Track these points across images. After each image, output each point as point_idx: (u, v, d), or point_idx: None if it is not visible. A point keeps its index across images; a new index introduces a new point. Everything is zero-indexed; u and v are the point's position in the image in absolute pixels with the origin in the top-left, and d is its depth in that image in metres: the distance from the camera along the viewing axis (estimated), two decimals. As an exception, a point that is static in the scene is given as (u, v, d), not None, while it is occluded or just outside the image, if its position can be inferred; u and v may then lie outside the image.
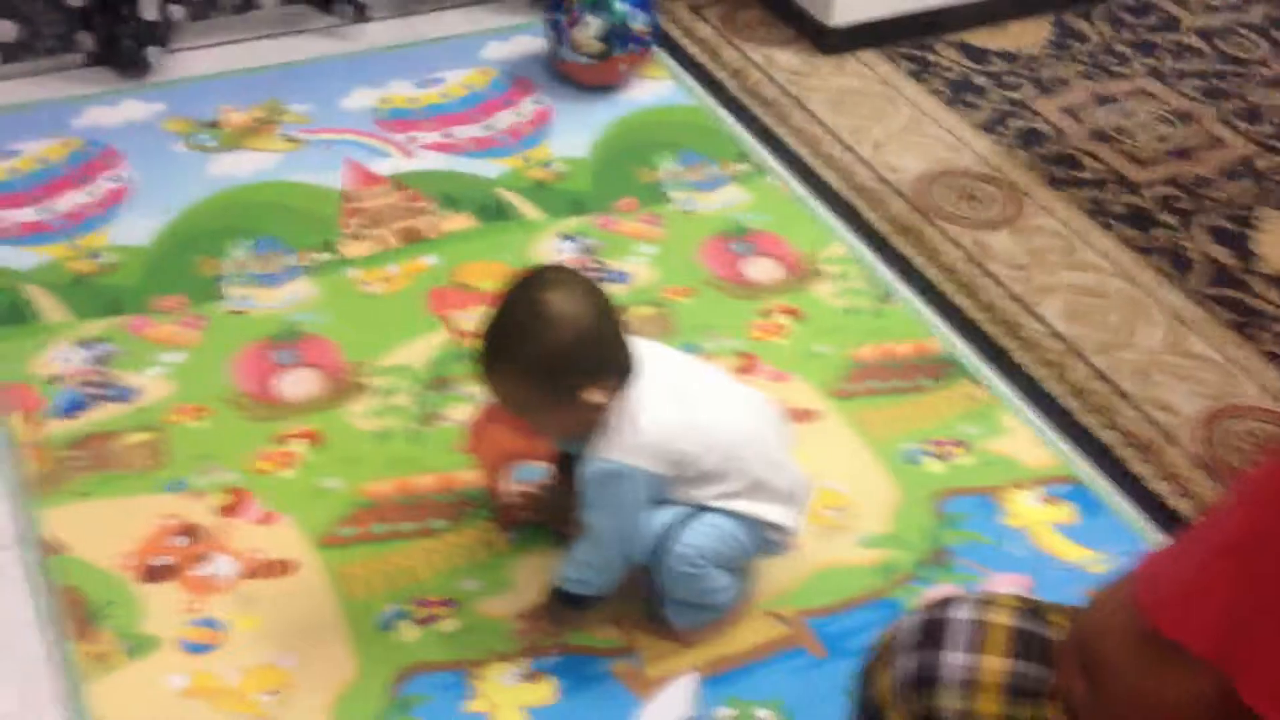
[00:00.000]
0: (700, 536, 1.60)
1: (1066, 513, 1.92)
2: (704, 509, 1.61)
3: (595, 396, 1.51)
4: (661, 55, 2.89)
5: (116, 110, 2.58)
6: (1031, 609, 1.13)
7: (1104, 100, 2.88)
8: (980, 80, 2.92)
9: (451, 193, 2.46)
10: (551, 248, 2.34)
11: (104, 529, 1.80)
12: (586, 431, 1.55)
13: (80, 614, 1.69)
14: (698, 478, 1.59)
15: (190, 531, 1.81)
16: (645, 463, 1.54)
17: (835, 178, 2.59)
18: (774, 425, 1.70)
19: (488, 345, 1.52)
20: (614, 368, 1.54)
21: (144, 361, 2.06)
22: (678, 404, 1.57)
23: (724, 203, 2.49)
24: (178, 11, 2.71)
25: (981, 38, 3.07)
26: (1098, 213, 2.53)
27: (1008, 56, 3.02)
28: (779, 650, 1.71)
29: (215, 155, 2.50)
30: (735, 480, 1.60)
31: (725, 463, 1.59)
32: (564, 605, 1.68)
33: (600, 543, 1.59)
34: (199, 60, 2.76)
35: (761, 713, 1.64)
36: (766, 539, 1.67)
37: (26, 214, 2.32)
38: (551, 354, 1.48)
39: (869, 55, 2.97)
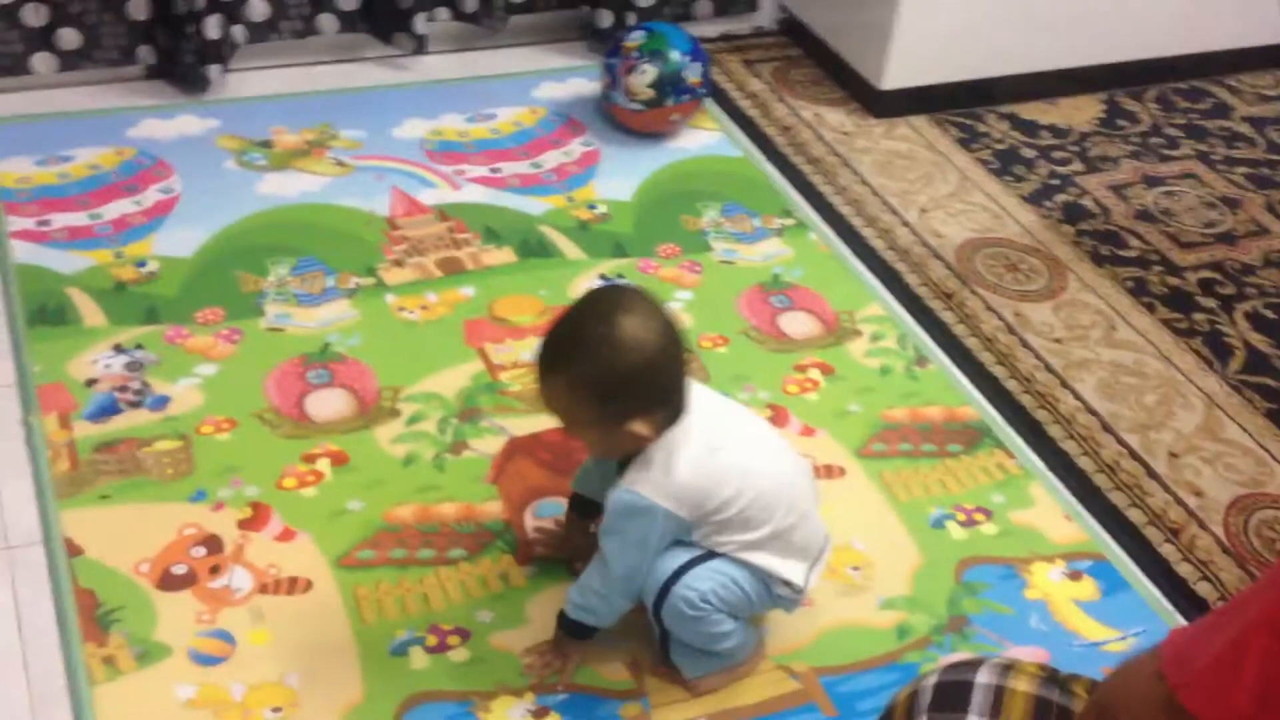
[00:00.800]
0: (704, 580, 1.58)
1: (1088, 589, 1.90)
2: (715, 555, 1.60)
3: (641, 429, 1.49)
4: (712, 106, 2.91)
5: (171, 124, 2.62)
6: (1052, 677, 1.11)
7: (1152, 181, 2.88)
8: (1029, 153, 2.93)
9: (494, 227, 2.47)
10: (589, 288, 2.35)
11: (125, 534, 1.80)
12: (622, 455, 1.56)
13: (93, 616, 1.69)
14: (721, 525, 1.57)
15: (209, 542, 1.81)
16: (671, 505, 1.53)
17: (878, 239, 2.59)
18: (806, 477, 1.69)
19: (550, 350, 1.50)
20: (666, 405, 1.52)
21: (178, 371, 2.07)
22: (714, 450, 1.55)
23: (765, 255, 2.50)
24: (239, 32, 2.75)
25: (1032, 111, 3.07)
26: (1139, 292, 2.52)
27: (1057, 131, 3.02)
28: (789, 706, 1.69)
29: (264, 174, 2.52)
30: (757, 530, 1.59)
31: (751, 511, 1.58)
32: (567, 634, 1.66)
33: (610, 572, 1.58)
34: (257, 81, 2.80)
35: (768, 767, 1.62)
36: (776, 594, 1.65)
37: (75, 218, 2.34)
38: (610, 377, 1.46)
39: (919, 120, 2.98)
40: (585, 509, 1.78)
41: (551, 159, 2.69)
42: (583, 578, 1.62)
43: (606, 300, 1.53)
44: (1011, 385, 2.26)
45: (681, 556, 1.59)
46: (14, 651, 1.65)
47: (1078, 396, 2.25)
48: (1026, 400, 2.23)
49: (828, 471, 2.05)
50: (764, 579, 1.62)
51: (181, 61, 2.67)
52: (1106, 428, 2.19)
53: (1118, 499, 2.06)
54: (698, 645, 1.64)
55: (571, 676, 1.68)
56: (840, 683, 1.73)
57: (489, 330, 2.24)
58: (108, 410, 1.98)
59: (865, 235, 2.59)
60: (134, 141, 2.56)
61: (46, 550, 1.77)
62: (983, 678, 1.11)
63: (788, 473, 1.64)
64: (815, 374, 2.23)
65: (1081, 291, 2.51)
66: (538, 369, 1.51)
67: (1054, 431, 2.17)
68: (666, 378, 1.51)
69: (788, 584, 1.63)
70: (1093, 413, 2.22)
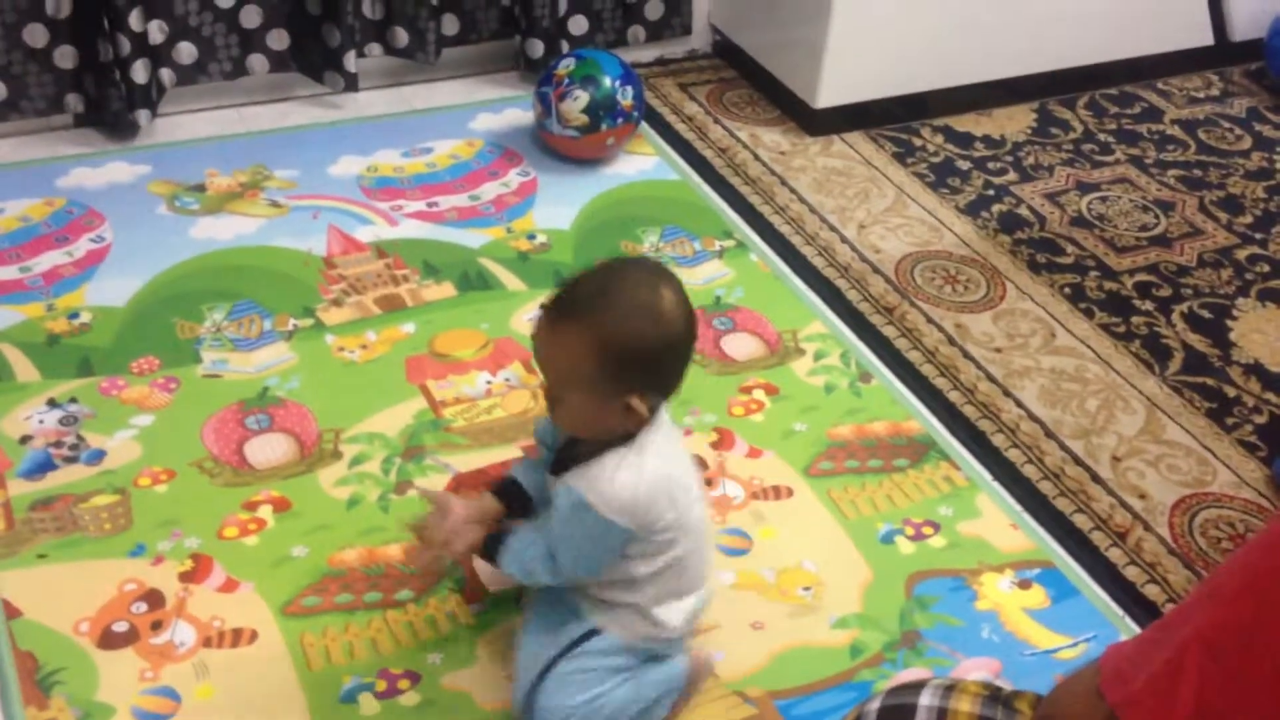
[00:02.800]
0: (564, 694, 1.55)
1: (1038, 597, 1.90)
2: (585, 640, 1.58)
3: (638, 407, 1.44)
4: (648, 131, 2.91)
5: (101, 171, 2.59)
6: (995, 695, 1.11)
7: (1086, 187, 2.90)
8: (963, 164, 2.95)
9: (433, 261, 2.46)
10: (531, 319, 2.34)
11: (64, 593, 1.77)
12: (597, 435, 1.48)
13: (34, 679, 1.66)
14: (656, 545, 1.53)
15: (150, 598, 1.78)
16: (618, 517, 1.45)
17: (817, 256, 2.60)
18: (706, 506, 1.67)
19: (576, 298, 1.42)
20: (664, 392, 1.49)
21: (114, 424, 2.04)
22: (666, 463, 1.51)
23: (706, 278, 2.50)
24: (167, 75, 2.73)
25: (966, 123, 3.10)
26: (1077, 298, 2.54)
27: (991, 142, 3.04)
28: (744, 732, 1.68)
29: (198, 218, 2.50)
30: (669, 551, 1.55)
31: (675, 533, 1.54)
32: (485, 555, 1.61)
33: (556, 558, 1.51)
34: (187, 124, 2.78)
35: (724, 796, 1.61)
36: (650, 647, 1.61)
37: (5, 272, 2.31)
38: (634, 345, 1.40)
39: (854, 137, 3.00)
40: (510, 498, 1.67)
41: (489, 190, 2.68)
42: (526, 540, 1.55)
43: (648, 268, 1.47)
44: (954, 397, 2.27)
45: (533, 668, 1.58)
46: (-47, 719, 1.61)
47: (1020, 405, 2.26)
48: (970, 411, 2.24)
49: (776, 493, 2.04)
50: (637, 644, 1.59)
51: (109, 108, 2.65)
52: (1049, 434, 2.20)
53: (1063, 505, 2.07)
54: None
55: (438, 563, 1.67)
56: (795, 705, 1.72)
57: (430, 367, 2.22)
58: (43, 467, 1.95)
59: (805, 253, 2.60)
60: (64, 191, 2.53)
61: (-16, 613, 1.74)
62: (925, 699, 1.10)
63: (700, 498, 1.60)
64: (760, 395, 2.23)
65: (1020, 300, 2.52)
66: (552, 314, 1.43)
67: (998, 441, 2.18)
68: (680, 363, 1.48)
69: (659, 627, 1.59)
70: (1035, 420, 2.23)
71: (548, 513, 1.54)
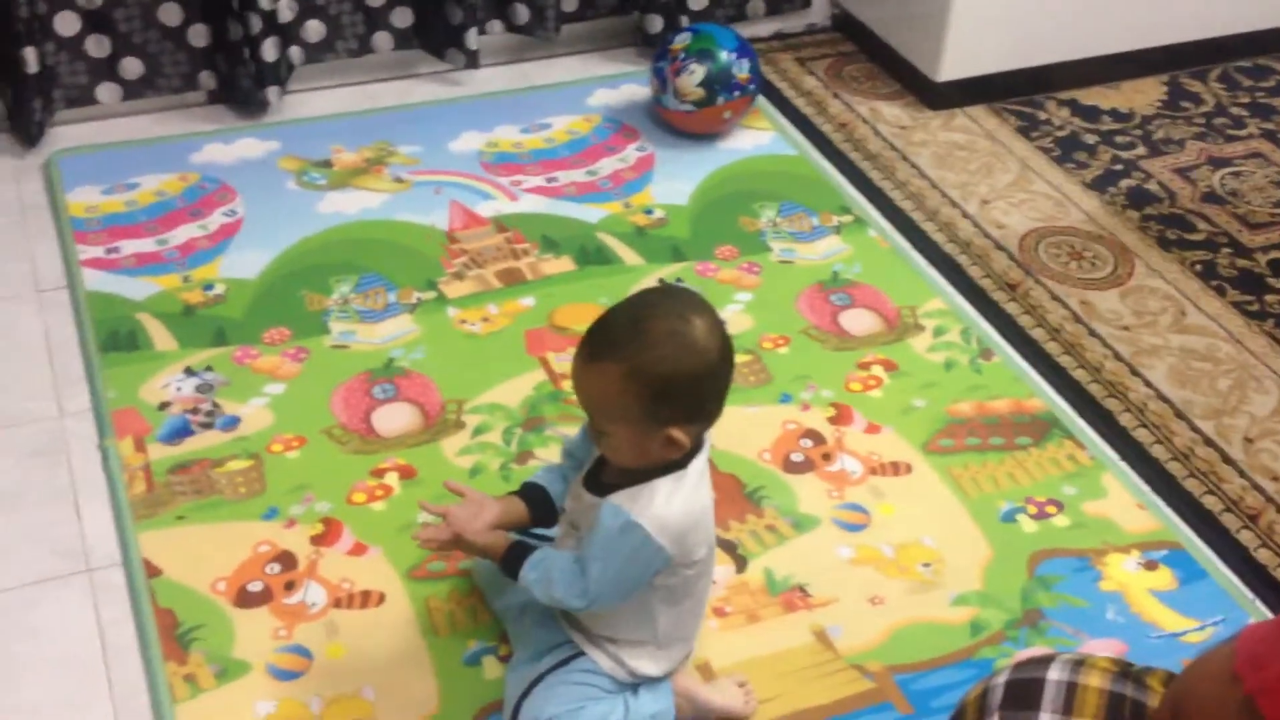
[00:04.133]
0: (548, 702, 1.56)
1: (1165, 579, 1.87)
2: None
3: (680, 436, 1.44)
4: (766, 106, 2.90)
5: (233, 148, 2.66)
6: (1125, 672, 1.10)
7: (1218, 162, 2.82)
8: (1090, 139, 2.89)
9: (552, 236, 2.48)
10: (651, 286, 2.35)
11: (201, 553, 1.84)
12: (637, 464, 1.48)
13: (173, 635, 1.72)
14: (678, 580, 1.53)
15: (283, 559, 1.83)
16: (665, 541, 1.45)
17: (938, 232, 2.57)
18: None
19: (610, 336, 1.43)
20: (707, 419, 1.49)
21: (247, 391, 2.10)
22: (706, 494, 1.52)
23: (824, 253, 2.49)
24: (296, 53, 2.79)
25: (1093, 96, 3.03)
26: (1208, 276, 2.48)
27: (1119, 115, 2.97)
28: (864, 705, 1.68)
29: (325, 193, 2.56)
30: (689, 606, 1.58)
31: (703, 576, 1.57)
32: (505, 566, 1.58)
33: (585, 576, 1.49)
34: (314, 101, 2.84)
35: (843, 768, 1.61)
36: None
37: (143, 245, 2.39)
38: (672, 376, 1.40)
39: (977, 111, 2.95)
40: (533, 504, 1.66)
41: (607, 166, 2.70)
42: (555, 557, 1.53)
43: (678, 298, 1.47)
44: (1080, 375, 2.23)
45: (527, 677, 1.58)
46: (98, 671, 1.68)
47: (1148, 384, 2.21)
48: (1095, 389, 2.20)
49: (894, 469, 2.03)
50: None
51: (240, 86, 2.72)
52: (1179, 414, 2.15)
53: (1193, 486, 2.02)
54: None
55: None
56: (914, 680, 1.72)
57: (550, 339, 2.25)
58: (180, 432, 2.02)
59: (926, 229, 2.57)
60: (198, 166, 2.60)
61: (126, 571, 1.81)
62: (1054, 674, 1.09)
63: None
64: (878, 371, 2.22)
65: (1149, 277, 2.47)
66: (587, 352, 1.44)
67: (1125, 420, 2.14)
68: (719, 390, 1.47)
69: (636, 675, 1.59)
70: (1164, 400, 2.18)
71: (586, 535, 1.51)
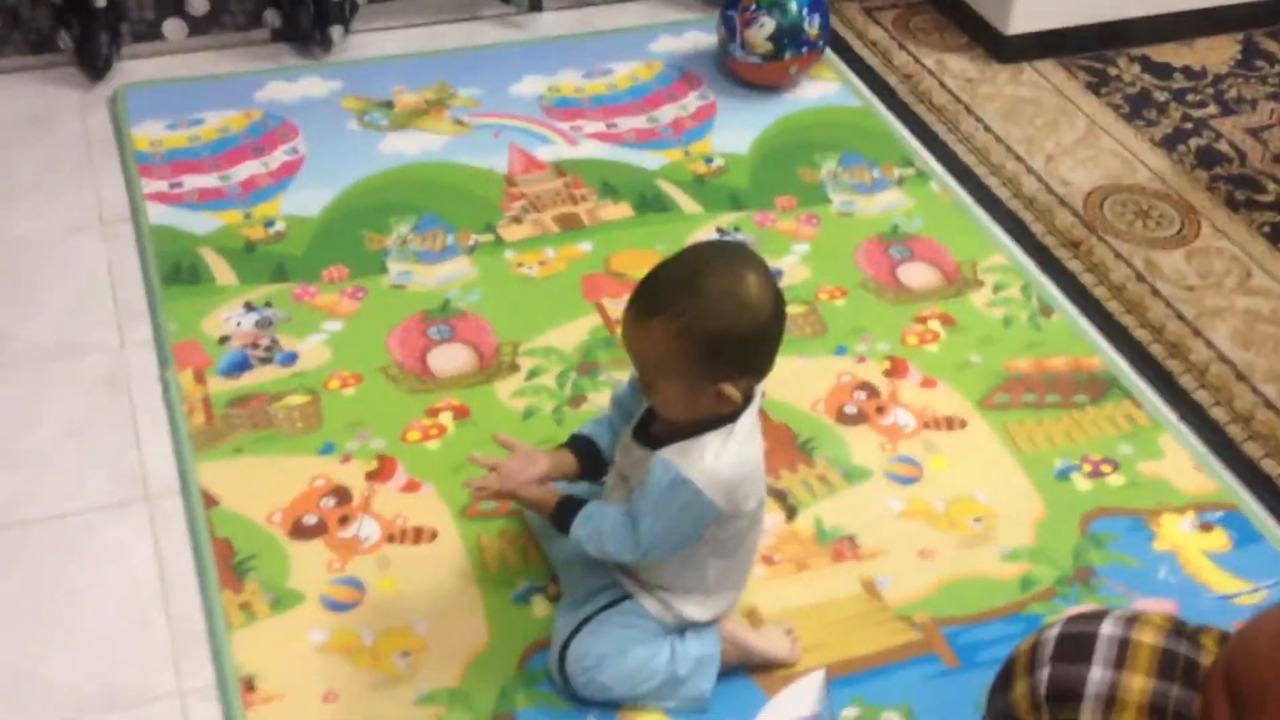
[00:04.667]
0: (595, 642, 1.58)
1: (1220, 540, 1.85)
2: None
3: (731, 392, 1.43)
4: (831, 56, 2.87)
5: (296, 86, 2.67)
6: (1179, 629, 1.09)
7: (1292, 122, 2.77)
8: (1161, 96, 2.83)
9: (611, 182, 2.48)
10: (702, 240, 2.34)
11: (258, 485, 1.86)
12: (688, 418, 1.47)
13: (230, 564, 1.75)
14: (728, 533, 1.54)
15: (338, 493, 1.86)
16: (716, 495, 1.46)
17: (1002, 187, 2.54)
18: None
19: (661, 292, 1.41)
20: (758, 374, 1.48)
21: (306, 328, 2.12)
22: (757, 446, 1.52)
23: (884, 206, 2.47)
24: (360, -6, 2.79)
25: (1165, 53, 2.97)
26: (1276, 238, 2.43)
27: (1191, 73, 2.91)
28: (910, 655, 1.69)
29: (386, 134, 2.56)
30: (740, 557, 1.59)
31: (753, 529, 1.57)
32: (556, 520, 1.59)
33: (637, 531, 1.50)
34: (377, 42, 2.84)
35: (888, 716, 1.62)
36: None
37: (206, 180, 2.41)
38: (724, 333, 1.39)
39: (1046, 65, 2.90)
40: (582, 456, 1.66)
41: (668, 113, 2.69)
42: (605, 512, 1.54)
43: (731, 254, 1.45)
44: (1141, 334, 2.20)
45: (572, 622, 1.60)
46: (156, 598, 1.72)
47: (1211, 345, 2.18)
48: (1157, 350, 2.17)
49: (948, 423, 2.02)
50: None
51: (304, 25, 2.72)
52: (1241, 377, 2.12)
53: (1252, 449, 2.00)
54: (638, 691, 1.59)
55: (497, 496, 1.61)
56: (962, 633, 1.71)
57: (606, 285, 2.25)
58: (240, 366, 2.05)
59: (989, 184, 2.54)
60: (261, 104, 2.61)
61: (185, 501, 1.84)
62: (1107, 629, 1.09)
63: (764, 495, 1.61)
64: (935, 325, 2.20)
65: (1215, 238, 2.43)
66: (637, 308, 1.43)
67: (1185, 381, 2.11)
68: (771, 346, 1.46)
69: (684, 620, 1.60)
70: (1226, 362, 2.15)
71: (636, 488, 1.52)
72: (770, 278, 1.44)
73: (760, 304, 1.41)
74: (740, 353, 1.42)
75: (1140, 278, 2.32)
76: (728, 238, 2.33)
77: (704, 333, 1.39)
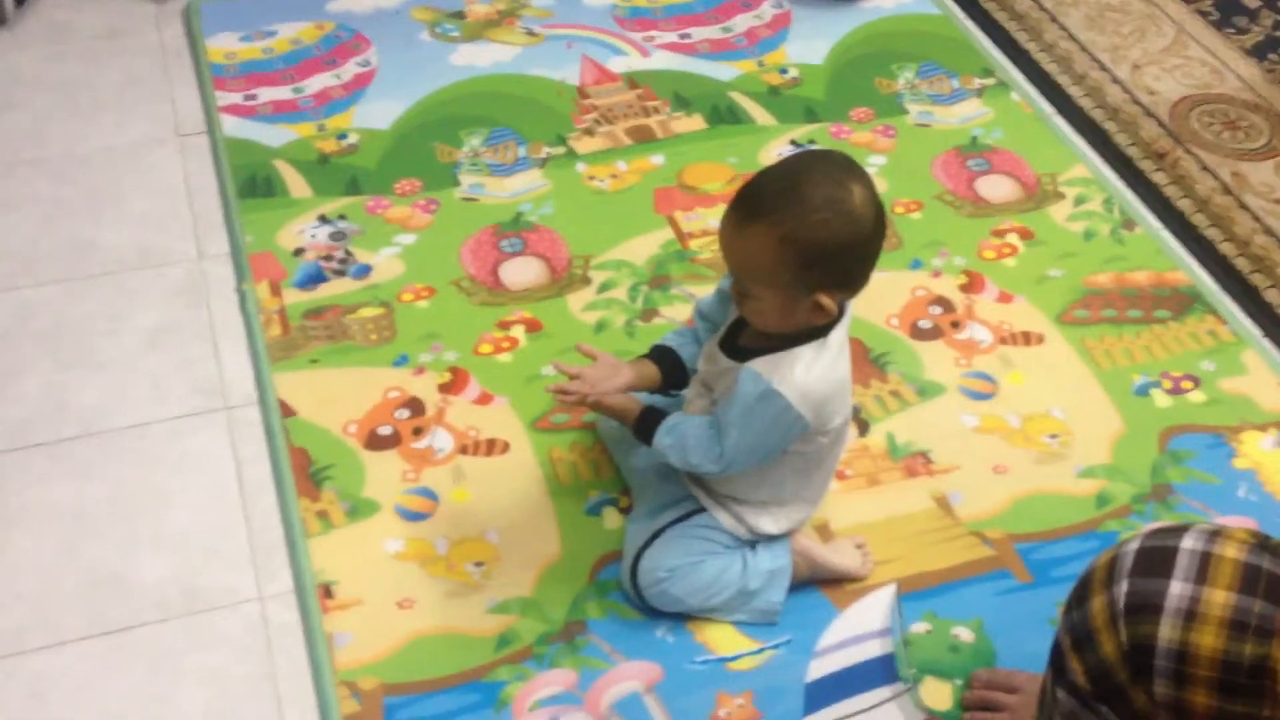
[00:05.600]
0: (666, 554, 1.58)
1: (1304, 459, 1.82)
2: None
3: (828, 303, 1.42)
4: (909, -37, 2.80)
5: (368, -3, 2.66)
6: (1264, 544, 1.07)
7: (1392, 28, 2.66)
8: (1253, 2, 2.73)
9: (684, 93, 2.45)
10: (781, 155, 2.31)
11: (333, 396, 1.88)
12: (781, 329, 1.47)
13: (306, 473, 1.78)
14: (813, 448, 1.54)
15: (412, 405, 1.88)
16: (805, 409, 1.45)
17: (1085, 97, 2.47)
18: None
19: (766, 198, 1.39)
20: (854, 287, 1.47)
21: (379, 241, 2.13)
22: (845, 361, 1.51)
23: (963, 117, 2.41)
24: (431, -97, 2.76)
25: (1259, -44, 2.86)
26: (1373, 149, 2.35)
27: (1286, -23, 2.81)
28: (982, 571, 1.68)
29: (457, 45, 2.55)
30: (820, 470, 1.59)
31: (836, 445, 1.57)
32: (635, 428, 1.59)
33: (723, 441, 1.49)
34: (448, -48, 2.81)
35: (960, 630, 1.61)
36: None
37: (279, 93, 2.41)
38: (827, 243, 1.37)
39: (1132, -30, 2.81)
40: (665, 367, 1.65)
41: (742, 23, 2.64)
42: (690, 422, 1.54)
43: (836, 163, 1.43)
44: (1226, 248, 2.15)
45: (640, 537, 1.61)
46: (236, 505, 1.75)
47: (1299, 260, 2.12)
48: (1242, 264, 2.12)
49: (1025, 339, 1.99)
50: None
51: (376, -65, 2.70)
52: (1330, 293, 2.07)
53: (1340, 368, 1.95)
54: (709, 603, 1.59)
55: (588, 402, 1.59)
56: (1035, 550, 1.70)
57: (679, 198, 2.23)
58: (315, 278, 2.06)
59: (1072, 94, 2.48)
60: (333, 16, 2.60)
61: (262, 411, 1.86)
62: (1188, 543, 1.07)
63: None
64: (1014, 239, 2.16)
65: (1307, 149, 2.35)
66: (739, 214, 1.41)
67: (1271, 296, 2.06)
68: (870, 259, 1.44)
69: (758, 533, 1.61)
70: (1316, 277, 2.10)
71: (722, 399, 1.51)
72: (873, 189, 1.42)
73: (863, 215, 1.39)
74: (841, 263, 1.41)
75: (1227, 190, 2.26)
76: (813, 148, 2.29)
77: (807, 241, 1.38)
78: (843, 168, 1.42)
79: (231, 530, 1.72)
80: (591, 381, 1.59)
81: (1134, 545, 1.10)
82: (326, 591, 1.64)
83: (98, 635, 1.60)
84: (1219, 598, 1.03)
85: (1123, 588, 1.07)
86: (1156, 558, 1.07)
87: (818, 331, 1.47)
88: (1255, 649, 1.02)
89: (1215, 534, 1.08)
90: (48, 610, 1.63)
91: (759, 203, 1.40)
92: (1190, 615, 1.03)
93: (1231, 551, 1.06)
